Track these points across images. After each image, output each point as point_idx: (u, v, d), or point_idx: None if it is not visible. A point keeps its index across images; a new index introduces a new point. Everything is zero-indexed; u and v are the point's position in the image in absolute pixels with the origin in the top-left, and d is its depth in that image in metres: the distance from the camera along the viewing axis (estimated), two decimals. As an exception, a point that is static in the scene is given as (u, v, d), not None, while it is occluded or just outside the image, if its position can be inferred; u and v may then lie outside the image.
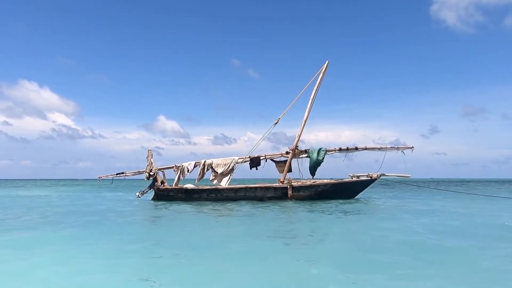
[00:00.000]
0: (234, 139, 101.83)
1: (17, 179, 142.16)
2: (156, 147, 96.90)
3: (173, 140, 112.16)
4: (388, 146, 15.48)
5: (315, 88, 15.89)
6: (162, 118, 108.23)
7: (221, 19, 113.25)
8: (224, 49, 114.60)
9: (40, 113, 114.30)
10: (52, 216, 10.08)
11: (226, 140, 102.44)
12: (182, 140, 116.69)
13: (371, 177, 15.10)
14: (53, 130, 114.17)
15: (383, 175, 14.98)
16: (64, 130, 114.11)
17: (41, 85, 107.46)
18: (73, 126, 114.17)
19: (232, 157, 15.68)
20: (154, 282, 3.75)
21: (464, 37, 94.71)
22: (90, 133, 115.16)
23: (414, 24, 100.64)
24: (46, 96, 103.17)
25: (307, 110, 15.88)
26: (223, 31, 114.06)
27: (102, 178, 16.14)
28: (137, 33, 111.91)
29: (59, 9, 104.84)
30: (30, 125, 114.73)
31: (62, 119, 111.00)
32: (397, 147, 15.39)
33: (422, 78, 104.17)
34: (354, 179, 15.25)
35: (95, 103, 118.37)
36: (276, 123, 15.98)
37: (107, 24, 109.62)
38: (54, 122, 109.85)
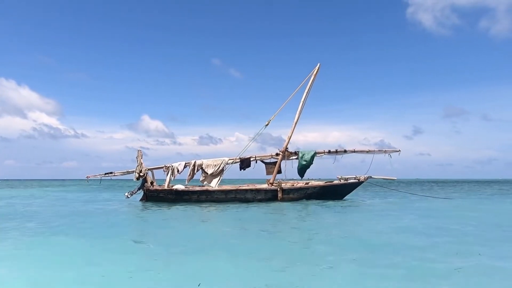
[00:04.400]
0: (220, 139, 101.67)
1: (0, 179, 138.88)
2: (141, 147, 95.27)
3: (158, 140, 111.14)
4: (375, 149, 15.78)
5: (306, 90, 16.08)
6: (146, 118, 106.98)
7: (200, 16, 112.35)
8: (203, 48, 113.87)
9: (19, 112, 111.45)
10: (33, 219, 9.79)
11: (211, 140, 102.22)
12: (167, 140, 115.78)
13: (358, 180, 15.37)
14: (34, 129, 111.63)
15: (370, 177, 15.27)
16: (46, 129, 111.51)
17: (19, 83, 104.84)
18: (55, 126, 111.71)
19: (222, 158, 15.74)
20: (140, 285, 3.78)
21: (441, 39, 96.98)
22: (72, 132, 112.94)
23: (392, 27, 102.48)
24: (25, 94, 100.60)
25: (297, 112, 16.05)
26: (202, 29, 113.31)
27: (90, 178, 16.01)
28: (118, 31, 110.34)
29: (35, 5, 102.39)
30: (10, 124, 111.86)
31: (43, 118, 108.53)
32: (385, 150, 15.70)
33: (404, 80, 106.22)
34: (342, 181, 15.49)
35: (76, 102, 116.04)
36: (267, 125, 16.12)
37: (86, 22, 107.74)
38: (34, 121, 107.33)
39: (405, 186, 37.21)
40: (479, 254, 5.13)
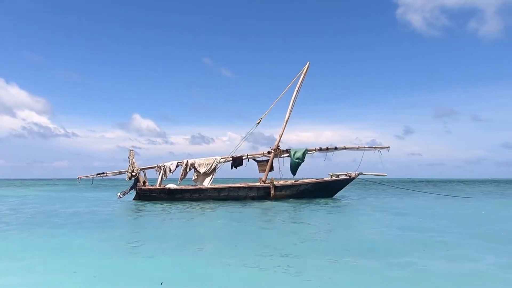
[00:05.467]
0: (212, 139, 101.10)
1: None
2: (133, 146, 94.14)
3: (149, 139, 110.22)
4: (365, 146, 16.01)
5: (296, 89, 16.23)
6: (137, 117, 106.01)
7: (190, 15, 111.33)
8: (194, 47, 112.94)
9: (8, 111, 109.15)
10: (22, 219, 9.67)
11: (204, 139, 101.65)
12: (159, 140, 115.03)
13: (349, 176, 15.56)
14: (24, 128, 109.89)
15: (361, 174, 15.47)
16: (36, 128, 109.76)
17: (8, 81, 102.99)
18: (45, 124, 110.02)
19: (215, 157, 15.81)
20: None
21: (431, 39, 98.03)
22: (62, 131, 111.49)
23: (382, 27, 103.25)
24: (14, 93, 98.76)
25: (288, 111, 16.21)
26: (192, 28, 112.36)
27: (82, 178, 15.95)
28: (109, 29, 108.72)
29: (23, 2, 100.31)
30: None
31: (32, 117, 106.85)
32: (374, 147, 15.93)
33: (396, 80, 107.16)
34: (334, 178, 15.68)
35: (66, 101, 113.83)
36: (258, 123, 16.24)
37: (76, 19, 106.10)
38: (24, 120, 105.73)
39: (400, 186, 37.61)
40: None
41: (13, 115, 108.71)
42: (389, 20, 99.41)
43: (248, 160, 15.95)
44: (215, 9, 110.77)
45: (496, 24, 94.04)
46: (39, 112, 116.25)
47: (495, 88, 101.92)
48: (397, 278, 3.95)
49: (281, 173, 15.72)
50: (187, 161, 15.64)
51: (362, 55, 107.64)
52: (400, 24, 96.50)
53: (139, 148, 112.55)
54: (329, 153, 16.07)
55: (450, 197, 18.05)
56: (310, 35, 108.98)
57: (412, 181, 79.16)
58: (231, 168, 15.82)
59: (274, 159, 15.77)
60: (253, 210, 11.35)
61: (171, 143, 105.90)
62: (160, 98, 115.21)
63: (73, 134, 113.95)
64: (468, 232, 6.97)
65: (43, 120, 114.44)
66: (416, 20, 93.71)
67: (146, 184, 15.68)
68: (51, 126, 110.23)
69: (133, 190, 15.66)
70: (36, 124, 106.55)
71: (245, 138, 16.59)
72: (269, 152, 15.87)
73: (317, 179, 15.93)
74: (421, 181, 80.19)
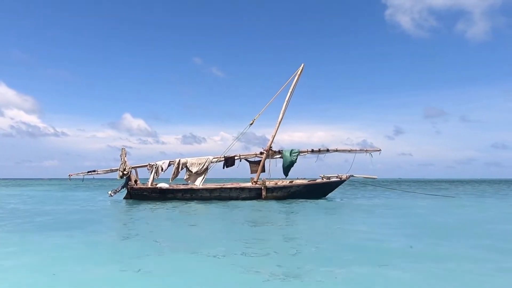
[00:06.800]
0: (204, 139, 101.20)
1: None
2: (124, 146, 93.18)
3: (140, 139, 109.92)
4: (357, 149, 16.14)
5: (290, 90, 16.30)
6: (128, 116, 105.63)
7: (181, 15, 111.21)
8: (185, 46, 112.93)
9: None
10: (12, 219, 9.58)
11: (195, 139, 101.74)
12: (150, 139, 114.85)
13: (340, 178, 15.69)
14: (12, 127, 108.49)
15: (352, 176, 15.60)
16: (24, 127, 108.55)
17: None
18: (34, 124, 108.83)
19: (207, 157, 15.82)
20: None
21: (420, 41, 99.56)
22: (52, 131, 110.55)
23: (372, 28, 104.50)
24: (2, 91, 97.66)
25: (281, 112, 16.27)
26: (183, 28, 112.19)
27: (73, 176, 15.87)
28: (99, 28, 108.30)
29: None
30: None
31: (21, 116, 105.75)
32: (366, 150, 16.06)
33: (386, 81, 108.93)
34: (325, 180, 15.78)
35: (56, 100, 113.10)
36: (251, 124, 16.28)
37: (66, 17, 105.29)
38: (12, 119, 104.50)
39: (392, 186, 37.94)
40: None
41: (1, 114, 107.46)
42: (378, 21, 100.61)
43: (240, 161, 16.00)
44: (206, 9, 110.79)
45: (483, 25, 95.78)
46: (27, 111, 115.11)
47: (483, 89, 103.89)
48: (386, 279, 4.03)
49: (269, 173, 15.81)
50: (179, 160, 15.63)
51: (353, 56, 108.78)
52: (389, 26, 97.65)
53: (130, 147, 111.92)
54: (321, 155, 16.19)
55: (436, 196, 18.31)
56: (302, 36, 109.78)
57: (402, 181, 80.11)
58: (223, 168, 15.88)
59: (266, 160, 15.84)
60: (243, 211, 11.38)
61: (163, 143, 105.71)
62: (151, 97, 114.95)
63: (63, 133, 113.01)
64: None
65: (32, 119, 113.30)
66: (405, 21, 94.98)
67: (138, 183, 15.62)
68: (40, 125, 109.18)
69: (124, 188, 15.61)
70: (24, 123, 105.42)
71: (237, 139, 16.64)
72: (261, 153, 15.93)
73: (309, 180, 16.02)
74: (411, 181, 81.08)
